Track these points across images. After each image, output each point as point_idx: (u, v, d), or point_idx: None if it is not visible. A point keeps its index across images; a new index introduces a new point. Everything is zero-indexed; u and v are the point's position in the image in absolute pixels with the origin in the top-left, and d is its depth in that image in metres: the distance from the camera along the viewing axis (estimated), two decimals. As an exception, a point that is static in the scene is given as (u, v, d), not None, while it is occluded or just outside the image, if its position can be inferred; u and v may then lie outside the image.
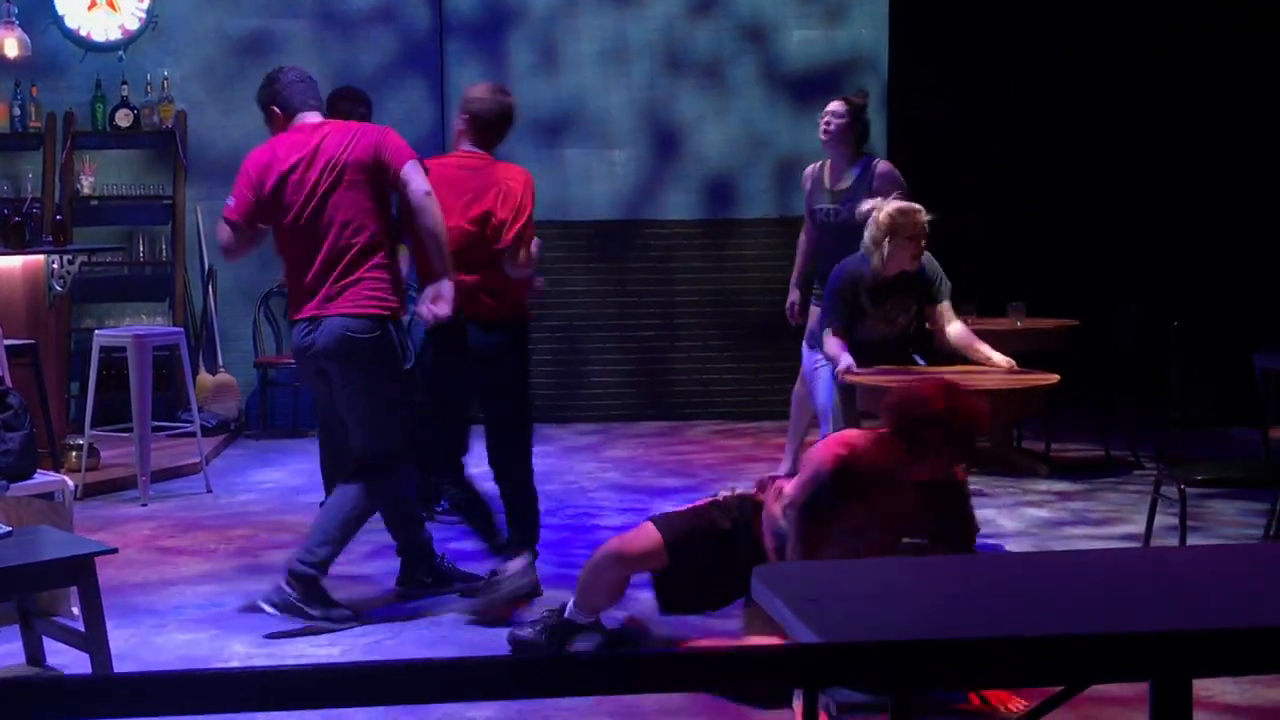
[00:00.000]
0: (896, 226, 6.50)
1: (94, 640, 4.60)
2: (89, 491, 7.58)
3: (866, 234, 6.57)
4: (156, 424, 8.08)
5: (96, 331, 8.20)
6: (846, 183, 7.45)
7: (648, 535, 4.85)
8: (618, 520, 7.14)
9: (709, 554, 4.76)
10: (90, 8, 9.84)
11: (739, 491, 4.93)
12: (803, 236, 7.92)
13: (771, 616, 3.00)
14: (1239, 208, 10.44)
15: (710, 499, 4.95)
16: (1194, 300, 8.57)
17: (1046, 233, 10.44)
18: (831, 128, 7.50)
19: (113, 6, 9.87)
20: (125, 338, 7.70)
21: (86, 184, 9.78)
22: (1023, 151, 10.42)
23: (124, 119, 9.76)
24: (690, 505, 5.04)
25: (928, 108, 10.44)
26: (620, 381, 10.41)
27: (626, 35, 10.36)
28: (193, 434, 8.15)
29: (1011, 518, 7.16)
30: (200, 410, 8.52)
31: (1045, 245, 10.37)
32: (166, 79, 9.86)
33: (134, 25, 9.90)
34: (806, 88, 10.41)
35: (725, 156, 10.44)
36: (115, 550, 4.91)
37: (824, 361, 6.85)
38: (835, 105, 7.63)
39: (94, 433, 7.87)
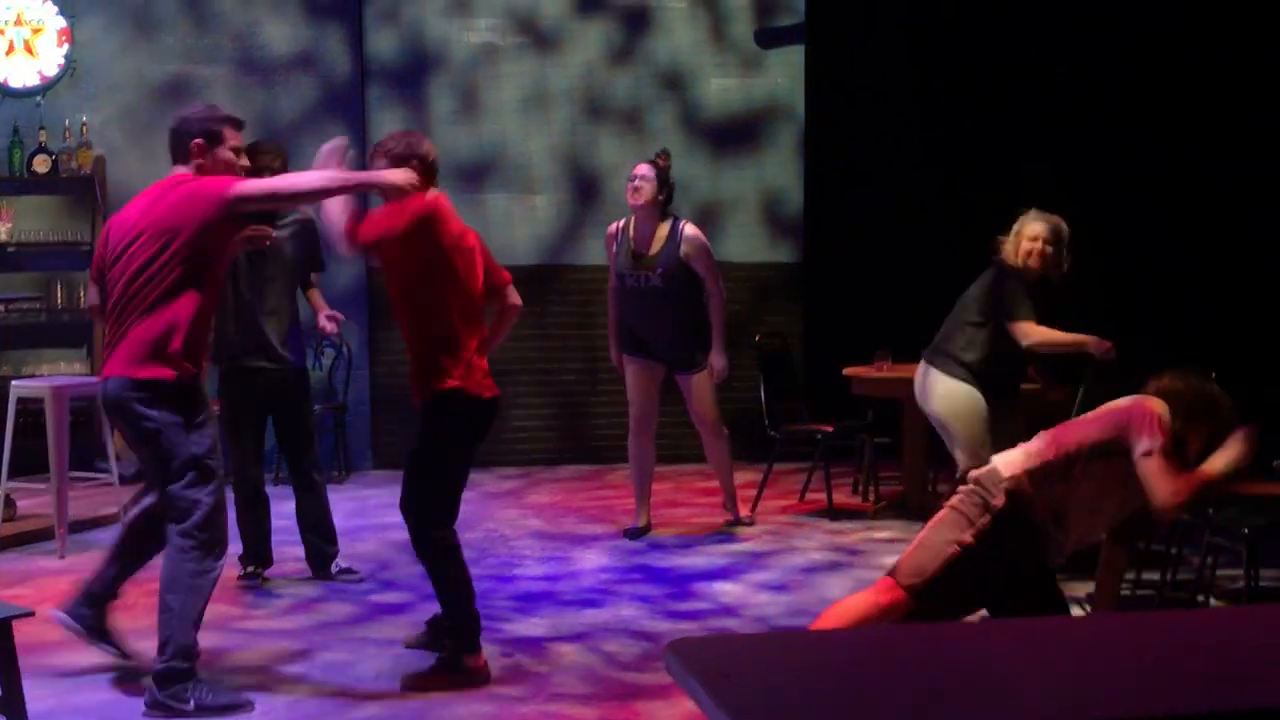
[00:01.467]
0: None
1: (11, 704, 4.57)
2: (6, 544, 7.52)
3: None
4: (73, 474, 8.02)
5: (13, 381, 8.13)
6: (655, 248, 7.51)
7: (889, 591, 4.64)
8: (539, 570, 7.18)
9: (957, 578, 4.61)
10: (8, 53, 9.80)
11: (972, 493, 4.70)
12: (610, 298, 7.94)
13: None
14: (1115, 265, 10.65)
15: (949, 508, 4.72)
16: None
17: (954, 274, 10.55)
18: (642, 191, 7.48)
19: (31, 52, 9.82)
20: (42, 388, 7.64)
21: (3, 230, 9.72)
22: (933, 195, 10.56)
23: (42, 165, 9.70)
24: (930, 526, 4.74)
25: (842, 154, 10.57)
26: (542, 426, 10.45)
27: (547, 82, 10.44)
28: (110, 483, 8.10)
29: (926, 563, 7.24)
30: (118, 459, 8.45)
31: (954, 286, 10.47)
32: (85, 124, 9.82)
33: (52, 71, 9.86)
34: (725, 135, 10.55)
35: (645, 202, 10.52)
36: (32, 613, 4.87)
37: None
38: (643, 169, 7.62)
39: (10, 484, 7.81)
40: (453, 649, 5.32)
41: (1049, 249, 6.62)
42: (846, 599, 4.89)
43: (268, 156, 6.81)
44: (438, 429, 5.32)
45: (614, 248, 7.74)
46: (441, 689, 5.16)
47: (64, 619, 5.59)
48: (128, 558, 5.68)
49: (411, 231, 5.13)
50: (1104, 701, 2.78)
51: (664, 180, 7.55)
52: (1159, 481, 4.45)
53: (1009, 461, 4.68)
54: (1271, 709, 2.71)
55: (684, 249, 7.47)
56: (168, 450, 5.11)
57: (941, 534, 4.64)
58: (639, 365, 7.75)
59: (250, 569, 6.90)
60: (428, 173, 5.42)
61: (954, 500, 4.72)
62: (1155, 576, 6.43)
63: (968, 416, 6.62)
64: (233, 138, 5.39)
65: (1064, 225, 6.74)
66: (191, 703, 4.93)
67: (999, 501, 4.56)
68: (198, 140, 5.30)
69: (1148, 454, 4.47)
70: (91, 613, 5.59)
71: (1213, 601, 6.27)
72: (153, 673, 5.03)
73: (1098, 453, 4.59)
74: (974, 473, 4.77)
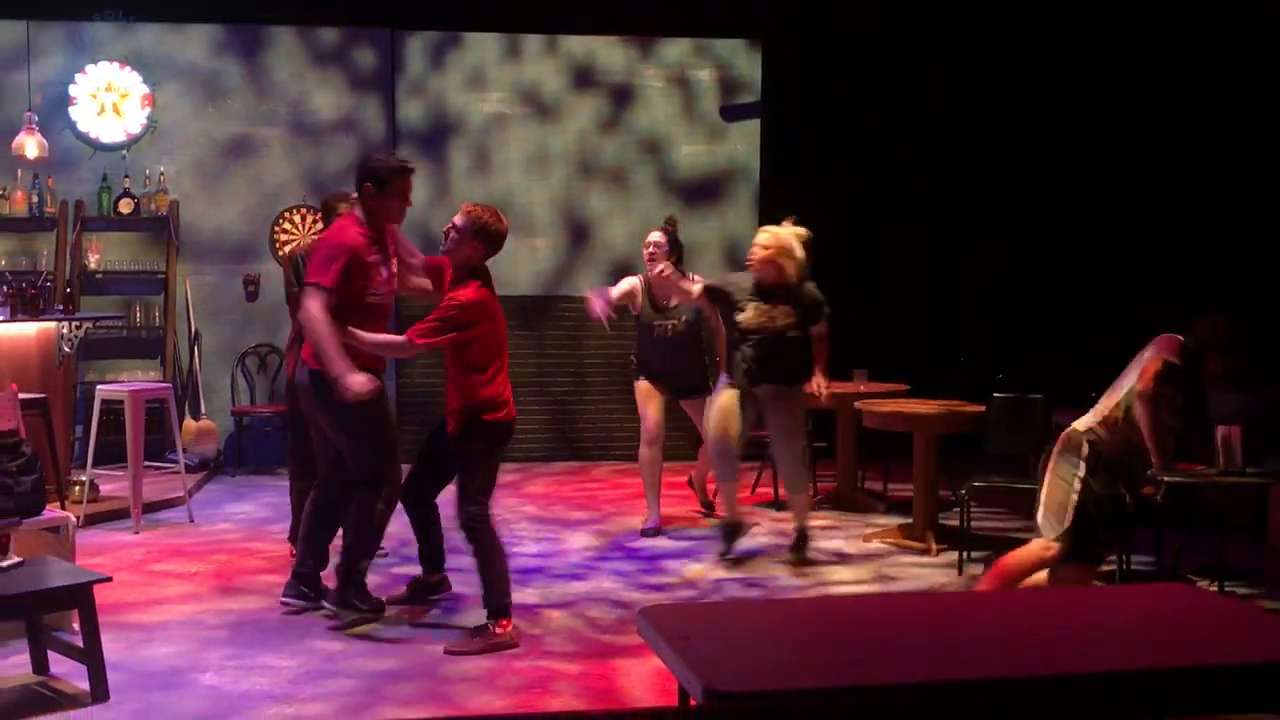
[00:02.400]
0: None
1: (91, 653, 4.55)
2: (90, 521, 7.46)
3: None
4: (147, 463, 7.99)
5: (98, 386, 8.10)
6: (675, 301, 7.38)
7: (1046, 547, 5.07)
8: (534, 548, 7.15)
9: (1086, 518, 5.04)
10: (99, 114, 9.75)
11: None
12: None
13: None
14: (1044, 294, 10.70)
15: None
16: (1008, 367, 8.73)
17: (892, 314, 10.59)
18: (657, 259, 7.29)
19: (118, 113, 9.78)
20: (122, 392, 7.60)
21: (93, 261, 9.67)
22: (865, 246, 10.59)
23: (126, 207, 9.67)
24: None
25: (791, 209, 10.57)
26: (538, 428, 10.42)
27: (547, 145, 10.43)
28: (178, 472, 8.06)
29: (855, 547, 7.24)
30: (185, 451, 8.42)
31: (893, 324, 10.50)
32: (163, 174, 9.78)
33: (136, 129, 9.82)
34: (693, 191, 10.57)
35: (627, 245, 10.51)
36: (110, 579, 4.84)
37: None
38: (656, 235, 7.48)
39: (94, 471, 7.76)
40: (491, 613, 5.28)
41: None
42: (1011, 556, 5.17)
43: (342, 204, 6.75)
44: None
45: (638, 299, 7.60)
46: (475, 652, 5.12)
47: (290, 602, 5.74)
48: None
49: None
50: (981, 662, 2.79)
51: (674, 243, 7.46)
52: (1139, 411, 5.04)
53: (1084, 421, 5.16)
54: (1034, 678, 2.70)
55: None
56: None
57: (1057, 496, 5.06)
58: (655, 390, 7.62)
59: None
60: (490, 243, 5.41)
61: (1050, 467, 5.13)
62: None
63: None
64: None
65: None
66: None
67: (1085, 452, 5.02)
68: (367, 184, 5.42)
69: (1139, 394, 5.05)
70: (309, 589, 5.76)
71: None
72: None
73: (1135, 396, 5.08)
74: (1060, 438, 5.19)
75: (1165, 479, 5.60)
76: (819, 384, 6.73)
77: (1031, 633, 3.07)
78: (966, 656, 2.87)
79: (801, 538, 6.82)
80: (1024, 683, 2.62)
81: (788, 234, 6.68)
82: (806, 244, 6.71)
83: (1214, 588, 5.90)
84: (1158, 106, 10.30)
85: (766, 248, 6.62)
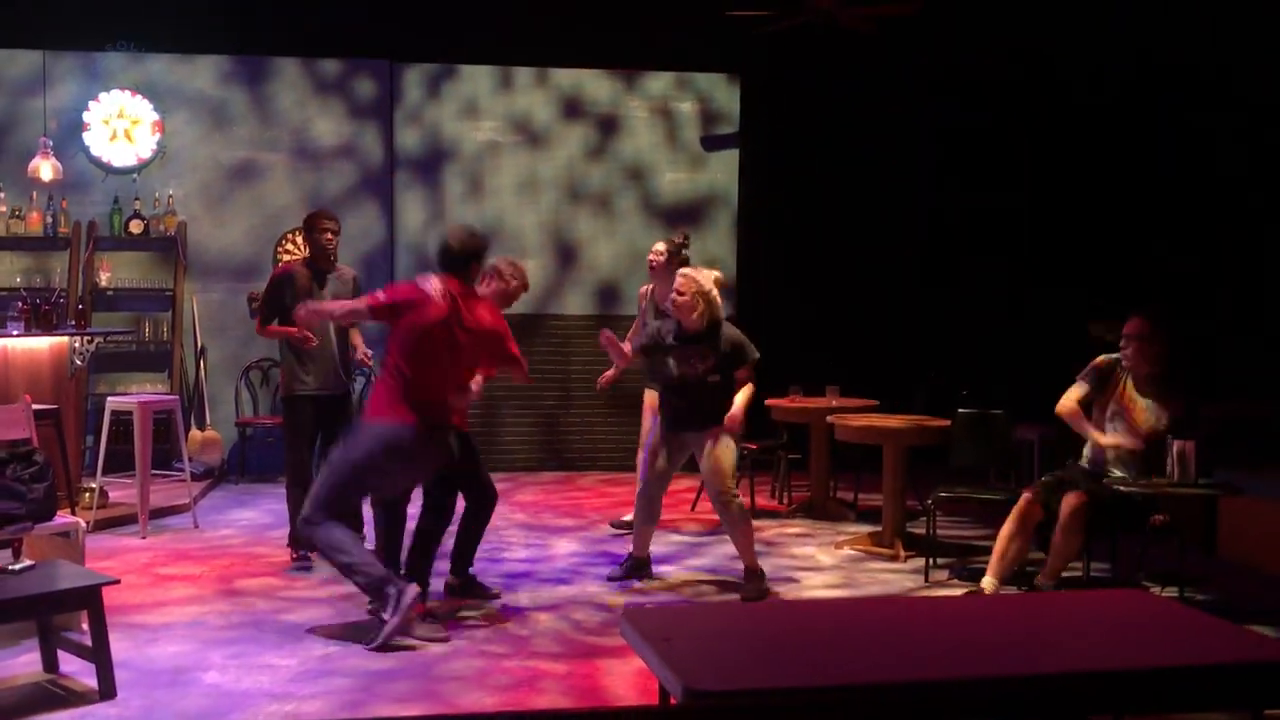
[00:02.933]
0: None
1: (99, 653, 4.52)
2: (99, 526, 7.41)
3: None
4: (155, 472, 7.95)
5: (108, 397, 8.05)
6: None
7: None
8: (523, 554, 7.12)
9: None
10: (111, 139, 9.72)
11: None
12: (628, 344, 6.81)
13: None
14: (1007, 315, 10.74)
15: None
16: (971, 383, 8.76)
17: (863, 333, 10.61)
18: (656, 263, 7.36)
19: (129, 139, 9.75)
20: (131, 403, 7.56)
21: (104, 278, 9.63)
22: (838, 264, 10.62)
23: (136, 227, 9.64)
24: None
25: (766, 232, 10.62)
26: (527, 439, 10.40)
27: (537, 172, 10.43)
28: (184, 479, 8.01)
29: (827, 554, 7.23)
30: (190, 460, 8.38)
31: (863, 342, 10.52)
32: (171, 196, 9.75)
33: (147, 154, 9.80)
34: (675, 216, 10.58)
35: (612, 267, 10.53)
36: (118, 581, 4.81)
37: None
38: (660, 245, 7.52)
39: (104, 478, 7.72)
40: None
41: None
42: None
43: (331, 223, 6.78)
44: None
45: (643, 303, 7.57)
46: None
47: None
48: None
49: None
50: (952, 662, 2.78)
51: (676, 252, 7.39)
52: None
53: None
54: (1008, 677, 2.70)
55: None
56: None
57: None
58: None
59: (303, 553, 6.76)
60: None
61: None
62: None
63: None
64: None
65: None
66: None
67: None
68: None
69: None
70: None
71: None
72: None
73: None
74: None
75: (1121, 488, 5.63)
76: (730, 418, 6.14)
77: (995, 635, 3.06)
78: (933, 658, 2.86)
79: (749, 575, 6.17)
80: (987, 683, 2.62)
81: (704, 278, 6.24)
82: (720, 285, 6.35)
83: (1167, 593, 5.91)
84: (1123, 131, 10.36)
85: (681, 293, 6.16)
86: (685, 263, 7.34)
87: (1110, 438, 5.92)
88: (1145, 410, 5.87)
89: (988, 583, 5.92)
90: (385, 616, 5.16)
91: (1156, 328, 5.85)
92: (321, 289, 6.63)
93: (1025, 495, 5.97)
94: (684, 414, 6.24)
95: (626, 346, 6.46)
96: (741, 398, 6.20)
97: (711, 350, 6.18)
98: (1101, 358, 6.08)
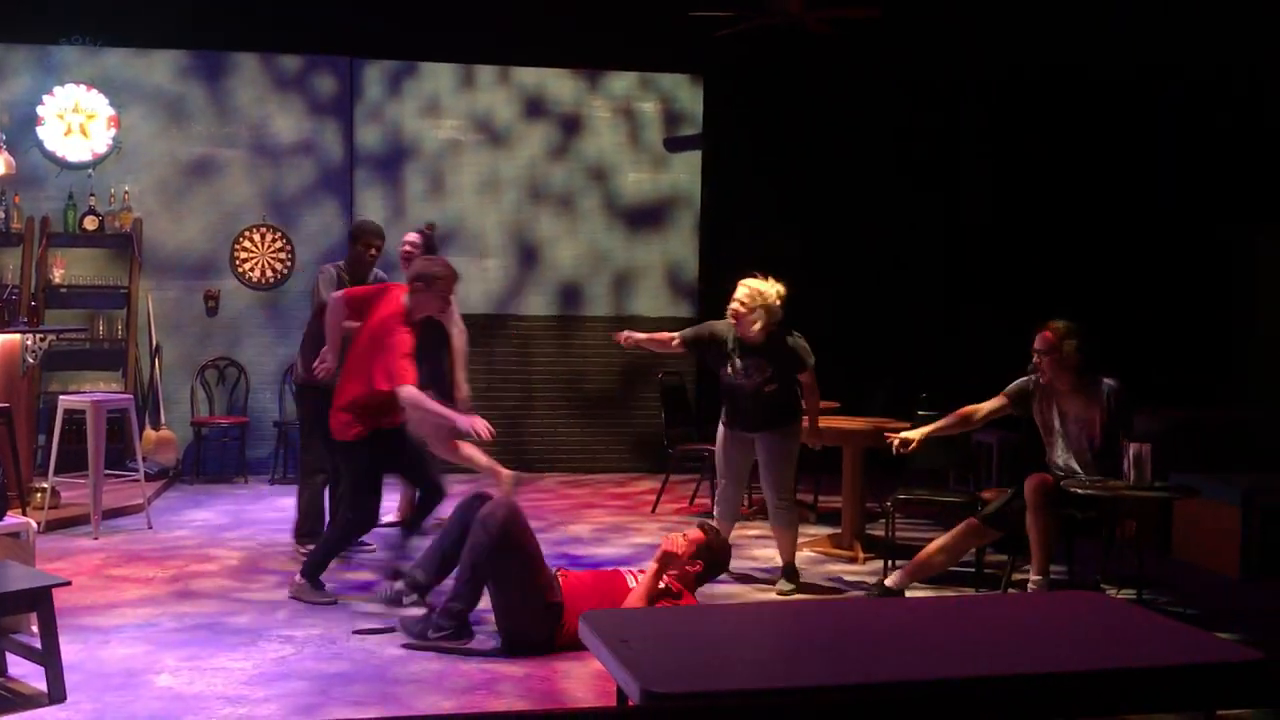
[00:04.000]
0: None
1: (49, 655, 4.46)
2: (51, 526, 7.32)
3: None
4: (108, 471, 7.85)
5: (61, 396, 7.96)
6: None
7: None
8: (481, 555, 7.08)
9: None
10: (66, 134, 9.61)
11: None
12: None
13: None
14: (967, 320, 10.81)
15: None
16: (931, 386, 8.82)
17: (815, 327, 10.64)
18: (412, 254, 7.05)
19: (85, 134, 9.65)
20: (85, 402, 7.48)
21: (58, 275, 9.51)
22: (798, 264, 10.63)
23: (91, 223, 9.52)
24: None
25: (729, 233, 10.64)
26: (487, 441, 10.35)
27: (499, 170, 10.41)
28: (138, 480, 7.94)
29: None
30: (144, 460, 8.29)
31: (825, 345, 10.55)
32: (127, 192, 9.65)
33: (102, 149, 9.69)
34: (638, 217, 10.59)
35: (574, 267, 10.52)
36: (69, 583, 4.76)
37: None
38: (413, 235, 7.28)
39: (56, 478, 7.63)
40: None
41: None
42: None
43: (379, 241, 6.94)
44: None
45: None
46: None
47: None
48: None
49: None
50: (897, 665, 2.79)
51: (429, 247, 7.21)
52: None
53: None
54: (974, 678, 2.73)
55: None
56: None
57: None
58: None
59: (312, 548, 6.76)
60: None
61: None
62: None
63: None
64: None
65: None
66: None
67: None
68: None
69: None
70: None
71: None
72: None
73: None
74: None
75: (1079, 491, 5.68)
76: (812, 439, 6.48)
77: (951, 637, 3.08)
78: (889, 660, 2.88)
79: (787, 571, 6.46)
80: (943, 685, 2.63)
81: (768, 289, 6.31)
82: (782, 298, 6.37)
83: (1124, 594, 5.97)
84: (1083, 134, 10.46)
85: (743, 303, 6.24)
86: (434, 252, 7.17)
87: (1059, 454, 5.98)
88: (1076, 422, 5.91)
89: (895, 578, 6.00)
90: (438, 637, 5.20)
91: (1064, 338, 5.86)
92: None
93: (970, 522, 5.99)
94: (742, 416, 6.38)
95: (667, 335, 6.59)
96: (814, 409, 6.50)
97: (770, 363, 6.29)
98: (1018, 381, 6.11)
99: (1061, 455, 5.95)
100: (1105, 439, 5.83)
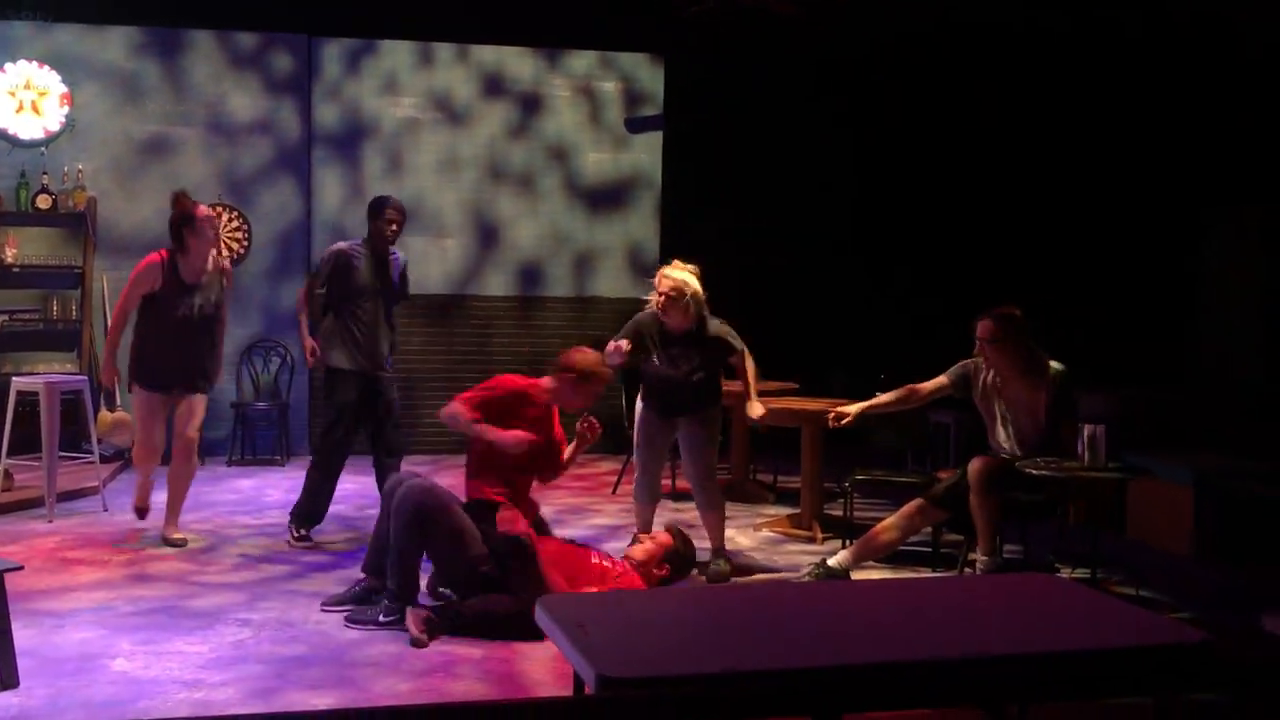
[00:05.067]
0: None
1: (1, 640, 4.41)
2: (3, 509, 7.26)
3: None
4: (62, 454, 7.77)
5: (14, 377, 7.86)
6: (206, 277, 6.75)
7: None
8: (441, 537, 7.07)
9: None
10: (18, 111, 9.47)
11: None
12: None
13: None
14: (928, 304, 10.87)
15: None
16: (889, 367, 8.86)
17: (774, 308, 10.68)
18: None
19: (37, 111, 9.51)
20: (38, 384, 7.40)
21: (10, 255, 9.37)
22: (757, 246, 10.67)
23: (44, 202, 9.39)
24: None
25: (689, 214, 10.64)
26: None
27: (458, 150, 10.35)
28: (93, 462, 7.86)
29: (746, 536, 7.29)
30: (99, 442, 8.21)
31: (783, 326, 10.59)
32: (81, 171, 9.53)
33: (55, 127, 9.56)
34: (599, 197, 10.57)
35: (534, 248, 10.49)
36: (21, 567, 4.71)
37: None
38: (205, 210, 6.78)
39: (9, 461, 7.55)
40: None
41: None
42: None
43: (396, 215, 6.98)
44: None
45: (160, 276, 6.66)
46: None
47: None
48: None
49: None
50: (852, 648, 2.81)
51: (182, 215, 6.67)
52: None
53: None
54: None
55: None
56: None
57: None
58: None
59: (304, 532, 6.82)
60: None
61: None
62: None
63: None
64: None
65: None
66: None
67: None
68: None
69: None
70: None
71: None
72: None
73: None
74: None
75: (1034, 472, 5.73)
76: (753, 410, 6.27)
77: (901, 619, 3.10)
78: (845, 643, 2.90)
79: (718, 553, 6.41)
80: (896, 667, 2.65)
81: (691, 278, 6.19)
82: (700, 279, 6.25)
83: (1078, 574, 6.03)
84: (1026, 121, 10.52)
85: (663, 294, 6.14)
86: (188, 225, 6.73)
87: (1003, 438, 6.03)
88: (1019, 406, 5.97)
89: (840, 557, 6.05)
90: (380, 617, 5.20)
91: (1005, 326, 5.89)
92: (376, 274, 6.89)
93: (918, 502, 6.03)
94: (671, 404, 6.28)
95: (624, 344, 6.18)
96: (752, 388, 6.32)
97: (696, 351, 6.19)
98: (960, 364, 6.16)
99: (1004, 438, 6.01)
100: (1049, 424, 5.88)
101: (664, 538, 5.48)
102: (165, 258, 6.60)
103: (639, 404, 6.50)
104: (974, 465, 5.82)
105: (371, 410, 6.89)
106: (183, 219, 6.58)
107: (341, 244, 7.03)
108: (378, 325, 6.89)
